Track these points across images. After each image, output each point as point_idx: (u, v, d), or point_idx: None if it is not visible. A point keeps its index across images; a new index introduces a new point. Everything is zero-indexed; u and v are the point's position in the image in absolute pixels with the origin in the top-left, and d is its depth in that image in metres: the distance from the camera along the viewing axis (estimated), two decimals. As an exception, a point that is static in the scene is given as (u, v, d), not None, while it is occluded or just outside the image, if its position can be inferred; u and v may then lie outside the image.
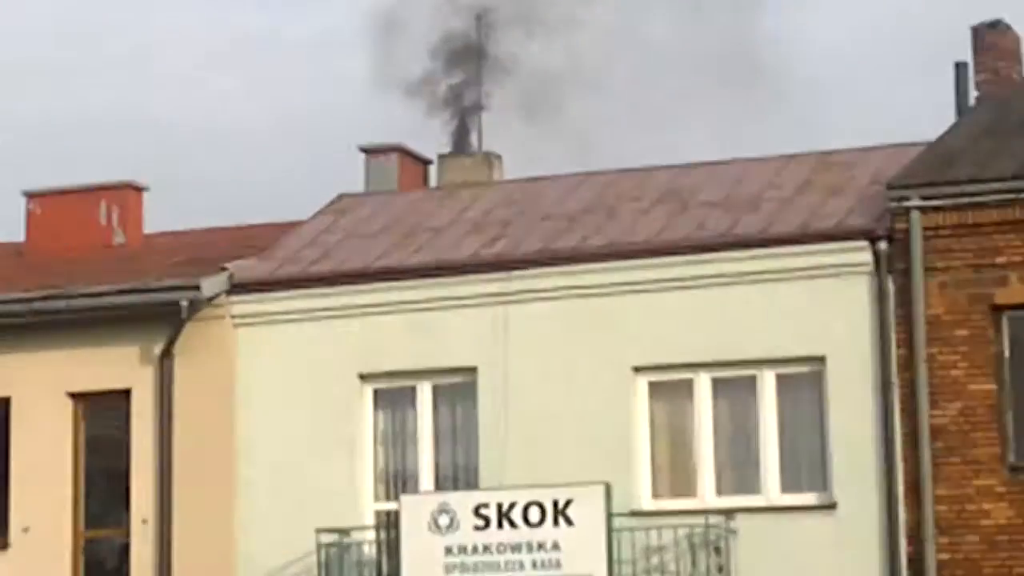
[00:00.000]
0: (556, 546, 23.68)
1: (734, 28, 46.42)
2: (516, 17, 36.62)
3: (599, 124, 41.19)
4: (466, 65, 34.39)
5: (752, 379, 24.86)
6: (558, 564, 23.65)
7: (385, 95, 43.57)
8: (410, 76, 36.53)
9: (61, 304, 26.96)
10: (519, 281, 25.77)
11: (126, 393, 26.94)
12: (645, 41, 45.95)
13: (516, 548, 23.86)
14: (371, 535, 25.49)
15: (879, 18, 60.37)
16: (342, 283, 26.71)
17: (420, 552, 24.20)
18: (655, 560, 24.19)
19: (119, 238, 31.14)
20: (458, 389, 26.00)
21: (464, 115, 34.41)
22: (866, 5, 60.26)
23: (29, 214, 31.48)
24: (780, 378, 24.73)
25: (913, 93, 47.95)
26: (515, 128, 35.90)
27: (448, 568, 24.05)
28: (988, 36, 28.22)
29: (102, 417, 27.40)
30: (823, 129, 48.98)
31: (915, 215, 23.69)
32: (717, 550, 23.95)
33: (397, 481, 26.15)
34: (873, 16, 59.70)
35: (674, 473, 25.17)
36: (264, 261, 27.73)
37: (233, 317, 26.92)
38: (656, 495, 24.91)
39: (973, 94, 28.12)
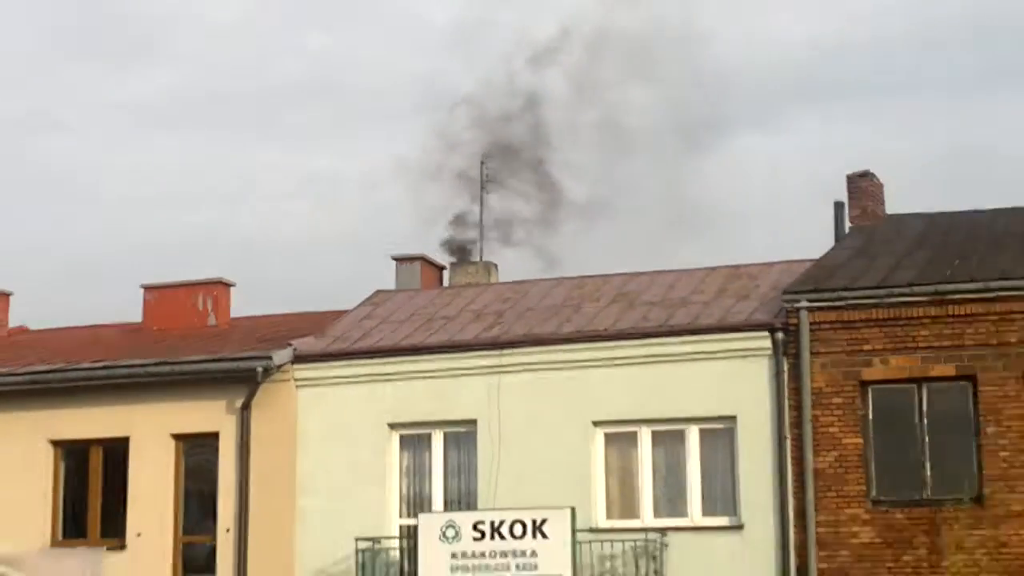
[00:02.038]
0: (534, 554, 23.25)
1: (678, 173, 48.11)
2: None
3: (573, 246, 42.03)
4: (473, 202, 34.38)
5: (681, 432, 24.45)
6: (535, 567, 23.22)
7: (413, 219, 44.41)
8: (434, 205, 36.90)
9: (168, 369, 26.77)
10: (509, 357, 25.43)
11: (215, 435, 26.60)
12: (615, 186, 46.61)
13: (504, 555, 23.43)
14: (397, 543, 25.03)
15: (783, 168, 60.72)
16: (377, 356, 26.29)
17: (433, 557, 23.73)
18: (608, 565, 23.81)
19: (212, 321, 30.81)
20: (462, 436, 25.48)
21: (465, 241, 34.12)
22: (770, 157, 61.03)
23: (145, 302, 31.28)
24: (702, 432, 24.37)
25: (804, 224, 48.29)
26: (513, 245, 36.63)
27: (453, 568, 23.63)
28: (859, 183, 28.11)
29: (197, 453, 27.07)
30: (737, 249, 48.23)
31: (804, 313, 23.47)
32: (654, 558, 23.61)
33: (416, 503, 25.62)
34: (776, 165, 60.41)
35: (622, 500, 24.67)
36: (319, 339, 27.30)
37: (295, 380, 26.41)
38: (609, 516, 24.47)
39: (848, 225, 27.86)
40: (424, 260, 31.49)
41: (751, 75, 60.98)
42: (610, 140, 44.54)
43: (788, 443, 23.26)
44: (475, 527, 23.50)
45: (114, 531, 27.00)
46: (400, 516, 25.46)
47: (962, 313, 22.74)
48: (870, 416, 23.13)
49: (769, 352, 23.72)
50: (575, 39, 42.72)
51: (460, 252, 33.80)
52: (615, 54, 44.79)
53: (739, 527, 23.44)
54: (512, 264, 34.03)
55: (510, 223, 36.64)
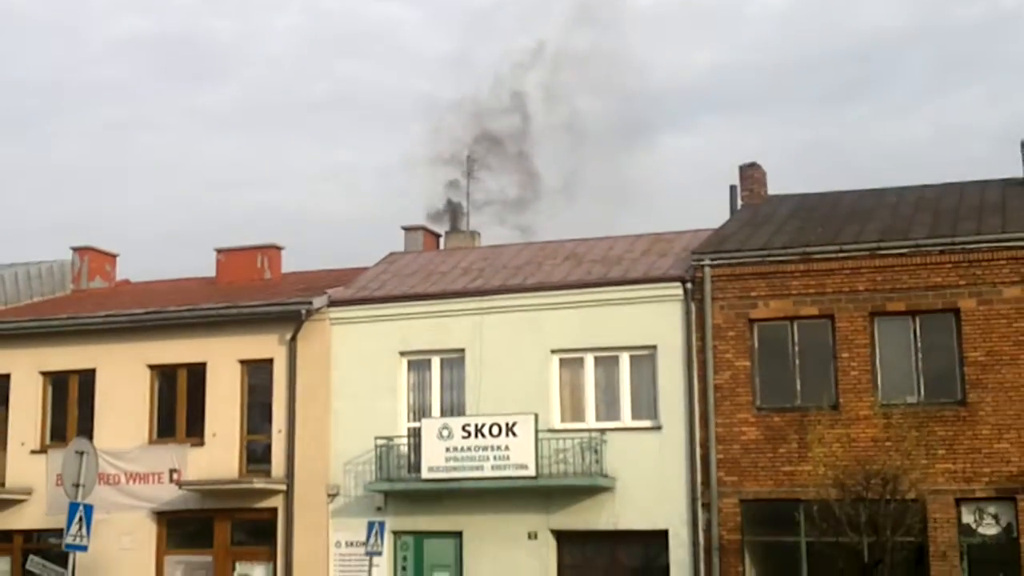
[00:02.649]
0: (507, 448, 24.32)
1: (618, 163, 51.06)
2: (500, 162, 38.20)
3: (538, 218, 45.02)
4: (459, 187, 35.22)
5: (616, 358, 25.18)
6: (508, 458, 24.33)
7: (417, 199, 45.16)
8: (433, 189, 38.27)
9: (235, 311, 27.59)
10: (489, 301, 26.23)
11: (270, 361, 27.33)
12: (573, 174, 51.10)
13: (484, 449, 24.47)
14: (405, 440, 25.95)
15: (694, 159, 62.56)
16: (391, 302, 26.98)
17: (432, 451, 24.82)
18: (561, 456, 24.73)
19: (267, 275, 31.50)
20: (455, 361, 26.11)
21: (457, 212, 34.74)
22: (685, 152, 63.03)
23: (218, 261, 32.23)
24: (632, 357, 25.05)
25: (707, 201, 52.25)
26: (494, 219, 37.72)
27: (447, 459, 24.67)
28: (747, 171, 29.01)
29: (257, 374, 27.59)
30: (659, 219, 51.74)
31: (707, 269, 24.51)
32: (595, 451, 24.53)
33: (420, 411, 26.23)
34: (688, 158, 62.43)
35: (572, 408, 25.46)
36: (348, 289, 27.91)
37: (330, 319, 27.13)
38: (562, 420, 25.33)
39: (739, 202, 28.65)
40: (425, 229, 32.19)
41: (672, 90, 63.71)
42: (570, 137, 48.46)
43: (695, 365, 24.19)
44: (463, 428, 24.59)
45: (195, 432, 27.71)
46: (408, 420, 26.23)
47: (823, 268, 23.78)
48: (755, 345, 24.13)
49: (681, 298, 24.67)
50: (545, 60, 46.17)
51: (452, 221, 34.12)
52: (572, 72, 48.78)
53: (659, 427, 24.42)
54: (495, 232, 35.96)
55: (495, 202, 37.88)
